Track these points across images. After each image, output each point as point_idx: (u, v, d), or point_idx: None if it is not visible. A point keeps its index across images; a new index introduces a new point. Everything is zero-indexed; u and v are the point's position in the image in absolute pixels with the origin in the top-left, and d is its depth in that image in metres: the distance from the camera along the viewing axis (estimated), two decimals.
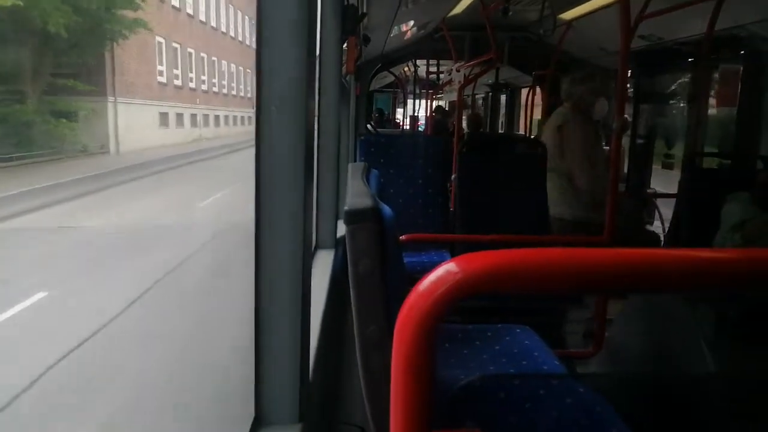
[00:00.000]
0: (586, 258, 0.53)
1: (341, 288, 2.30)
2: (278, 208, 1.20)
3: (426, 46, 6.64)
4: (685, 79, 5.67)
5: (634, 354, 2.28)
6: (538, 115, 7.27)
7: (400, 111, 15.21)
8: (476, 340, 1.87)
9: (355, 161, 4.53)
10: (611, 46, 4.79)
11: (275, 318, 1.23)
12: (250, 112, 31.72)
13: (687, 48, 4.46)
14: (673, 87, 6.16)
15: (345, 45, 3.06)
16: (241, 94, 37.06)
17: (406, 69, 10.10)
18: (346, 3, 2.96)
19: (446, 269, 0.53)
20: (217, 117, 32.76)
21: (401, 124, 13.31)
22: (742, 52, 4.09)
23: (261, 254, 1.21)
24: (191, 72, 29.64)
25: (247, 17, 38.15)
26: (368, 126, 9.14)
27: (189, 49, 29.28)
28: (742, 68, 4.18)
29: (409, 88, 11.01)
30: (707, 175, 3.30)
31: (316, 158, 2.43)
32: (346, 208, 1.08)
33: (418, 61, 8.82)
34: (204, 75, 31.42)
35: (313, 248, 2.93)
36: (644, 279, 0.54)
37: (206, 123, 30.86)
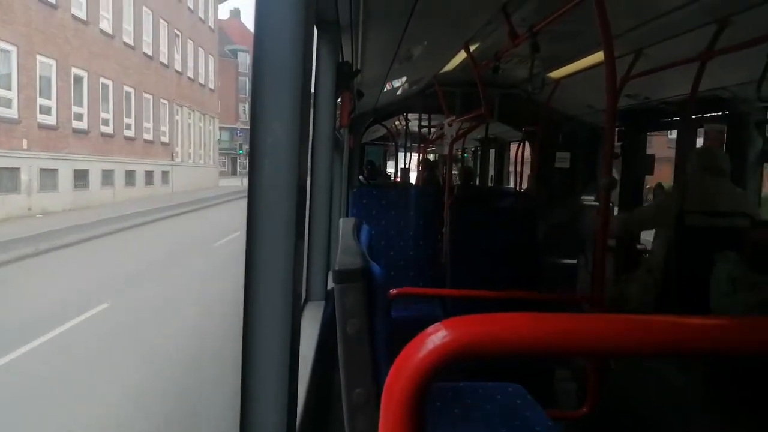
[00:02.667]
0: (573, 323, 0.53)
1: (331, 342, 2.26)
2: (268, 259, 1.19)
3: (418, 101, 6.77)
4: (672, 136, 5.80)
5: (626, 415, 2.24)
6: (528, 169, 7.38)
7: (391, 163, 15.38)
8: (467, 399, 1.84)
9: (347, 212, 4.54)
10: (599, 104, 4.91)
11: (262, 371, 1.19)
12: (164, 164, 27.01)
13: (673, 107, 4.58)
14: (660, 144, 6.28)
15: (339, 99, 3.12)
16: (147, 137, 26.25)
17: (397, 122, 10.27)
18: (340, 60, 3.03)
19: (435, 333, 0.52)
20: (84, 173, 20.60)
21: (393, 176, 13.45)
22: (727, 112, 4.20)
23: (249, 306, 1.19)
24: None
25: (191, 42, 32.45)
26: (360, 177, 9.22)
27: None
28: (726, 127, 4.28)
29: (401, 141, 11.18)
30: (696, 233, 3.33)
31: (308, 209, 2.43)
32: (335, 267, 1.07)
33: (410, 115, 8.99)
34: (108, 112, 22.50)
35: (303, 300, 2.89)
36: (633, 344, 0.54)
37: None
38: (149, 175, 26.20)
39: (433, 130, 9.02)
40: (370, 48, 3.84)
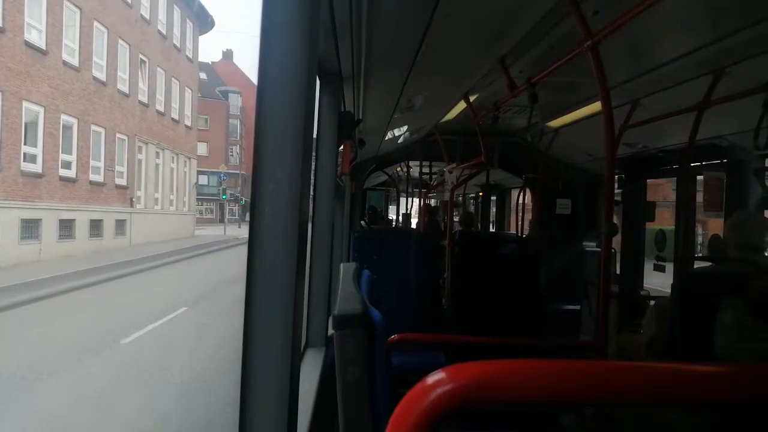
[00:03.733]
0: (577, 371, 0.52)
1: (331, 389, 2.23)
2: (268, 306, 1.19)
3: (419, 148, 6.86)
4: (672, 184, 5.83)
5: None
6: (529, 215, 7.40)
7: (392, 208, 15.40)
8: None
9: (348, 257, 4.54)
10: (598, 153, 4.96)
11: (260, 420, 1.18)
12: (119, 211, 22.28)
13: (672, 155, 4.63)
14: (660, 192, 6.32)
15: (341, 147, 3.17)
16: (95, 178, 21.40)
17: (399, 169, 10.38)
18: (342, 109, 3.09)
19: (436, 379, 0.52)
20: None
21: (394, 221, 13.50)
22: (725, 160, 4.24)
23: (248, 354, 1.18)
24: None
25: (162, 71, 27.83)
26: (362, 222, 9.25)
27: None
28: (725, 175, 4.32)
29: (402, 186, 11.27)
30: (700, 279, 3.31)
31: (309, 254, 2.43)
32: (335, 312, 1.07)
33: (411, 162, 9.08)
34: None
35: (302, 347, 2.86)
36: (638, 393, 0.53)
37: None
38: (96, 224, 20.86)
39: (434, 176, 9.11)
40: (371, 98, 3.91)
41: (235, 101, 57.53)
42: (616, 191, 5.28)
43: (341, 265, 1.74)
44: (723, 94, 2.98)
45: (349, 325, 1.03)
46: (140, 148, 25.49)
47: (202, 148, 53.97)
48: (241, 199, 48.18)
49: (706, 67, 2.91)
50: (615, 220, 3.90)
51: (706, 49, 2.64)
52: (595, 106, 3.86)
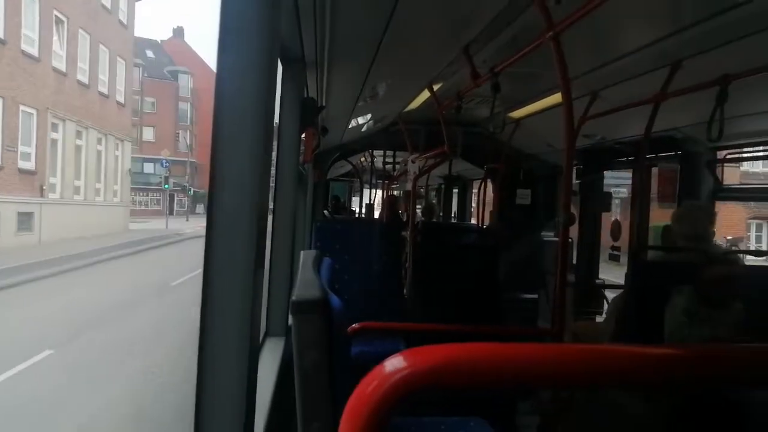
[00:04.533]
0: (532, 353, 0.53)
1: (290, 377, 2.21)
2: (226, 293, 1.16)
3: (383, 137, 6.85)
4: (628, 175, 5.97)
5: None
6: (490, 206, 7.49)
7: (356, 200, 15.38)
8: None
9: (310, 246, 4.51)
10: (557, 144, 5.05)
11: (217, 407, 1.16)
12: (23, 201, 17.89)
13: (628, 147, 4.74)
14: (616, 183, 6.47)
15: (303, 135, 3.13)
16: None
17: (363, 159, 10.36)
18: (305, 96, 3.05)
19: (394, 363, 0.51)
20: None
21: (357, 212, 13.49)
22: (679, 152, 4.37)
23: (205, 341, 1.16)
24: None
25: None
26: (325, 212, 9.20)
27: None
28: (679, 167, 4.44)
29: (366, 177, 11.26)
30: (653, 268, 3.41)
31: (269, 243, 2.40)
32: (293, 298, 1.06)
33: (375, 152, 9.07)
34: None
35: (262, 336, 2.83)
36: (591, 374, 0.54)
37: None
38: None
39: (397, 166, 9.12)
40: (335, 85, 3.88)
41: (185, 82, 52.94)
42: (575, 182, 5.39)
43: (301, 252, 1.72)
44: (679, 86, 3.05)
45: (307, 311, 1.02)
46: (55, 125, 20.49)
47: (148, 134, 50.01)
48: (190, 189, 44.33)
49: (664, 59, 2.97)
50: (573, 210, 3.98)
51: (665, 41, 2.70)
52: (556, 98, 3.91)
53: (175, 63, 53.28)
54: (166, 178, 39.57)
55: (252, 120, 1.18)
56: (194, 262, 12.24)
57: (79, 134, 22.45)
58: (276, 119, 2.13)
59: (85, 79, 23.17)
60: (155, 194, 48.04)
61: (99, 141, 24.49)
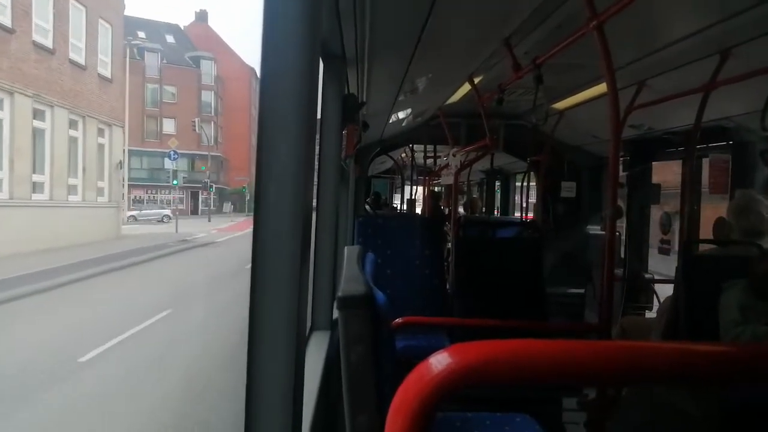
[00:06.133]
0: (580, 350, 0.53)
1: (336, 371, 2.25)
2: (273, 288, 1.19)
3: (423, 132, 6.83)
4: (677, 166, 5.80)
5: None
6: (533, 199, 7.39)
7: (397, 197, 15.35)
8: (475, 429, 1.81)
9: (353, 242, 4.55)
10: (603, 135, 4.94)
11: (266, 400, 1.19)
12: None
13: (677, 137, 4.60)
14: (666, 174, 6.29)
15: (345, 130, 3.16)
16: None
17: (403, 155, 10.36)
18: (346, 92, 3.07)
19: (440, 359, 0.52)
20: None
21: (398, 208, 13.50)
22: (731, 141, 4.21)
23: (254, 336, 1.19)
24: None
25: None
26: (366, 207, 9.25)
27: None
28: (731, 157, 4.29)
29: (407, 173, 11.26)
30: (704, 262, 3.31)
31: (313, 238, 2.43)
32: (339, 294, 1.08)
33: (416, 147, 9.06)
34: None
35: (308, 330, 2.88)
36: (640, 372, 0.54)
37: None
38: None
39: (438, 161, 9.10)
40: (375, 81, 3.89)
41: (209, 69, 47.45)
42: (621, 174, 5.27)
43: (345, 248, 1.74)
44: (729, 74, 2.95)
45: (353, 306, 1.04)
46: (8, 102, 15.36)
47: (169, 126, 45.21)
48: (211, 186, 40.30)
49: (713, 47, 2.88)
50: (620, 203, 3.89)
51: (712, 29, 2.61)
52: (601, 88, 3.83)
53: (196, 48, 48.16)
54: (175, 173, 35.87)
55: (296, 118, 1.21)
56: (167, 296, 10.15)
57: (37, 114, 16.88)
58: (318, 116, 2.16)
59: (48, 43, 17.42)
60: (179, 192, 42.53)
61: (73, 124, 18.77)
